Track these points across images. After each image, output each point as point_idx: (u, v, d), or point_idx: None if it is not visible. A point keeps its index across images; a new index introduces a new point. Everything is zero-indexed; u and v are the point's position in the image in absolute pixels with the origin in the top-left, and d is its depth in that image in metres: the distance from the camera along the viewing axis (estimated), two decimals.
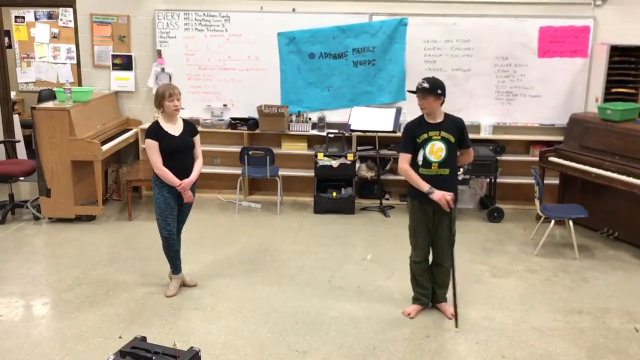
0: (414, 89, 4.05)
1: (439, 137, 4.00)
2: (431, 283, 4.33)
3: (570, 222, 5.41)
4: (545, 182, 6.02)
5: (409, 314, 4.28)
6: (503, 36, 6.67)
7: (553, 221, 5.44)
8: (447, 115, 4.07)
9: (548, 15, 6.62)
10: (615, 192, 5.59)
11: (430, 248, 4.25)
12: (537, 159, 6.41)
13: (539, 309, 4.39)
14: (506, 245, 5.72)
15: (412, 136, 4.03)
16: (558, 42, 6.66)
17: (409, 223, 4.26)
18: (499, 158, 6.55)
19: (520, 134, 6.90)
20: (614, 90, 6.39)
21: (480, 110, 6.86)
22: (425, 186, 3.97)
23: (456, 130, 4.06)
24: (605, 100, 6.37)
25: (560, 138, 6.52)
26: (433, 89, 3.96)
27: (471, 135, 6.84)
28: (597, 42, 6.60)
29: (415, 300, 4.37)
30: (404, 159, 4.06)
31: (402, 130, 4.12)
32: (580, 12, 6.63)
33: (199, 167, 4.52)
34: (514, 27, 6.64)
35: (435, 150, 4.00)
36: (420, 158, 4.03)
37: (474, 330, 4.09)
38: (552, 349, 3.87)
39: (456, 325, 4.12)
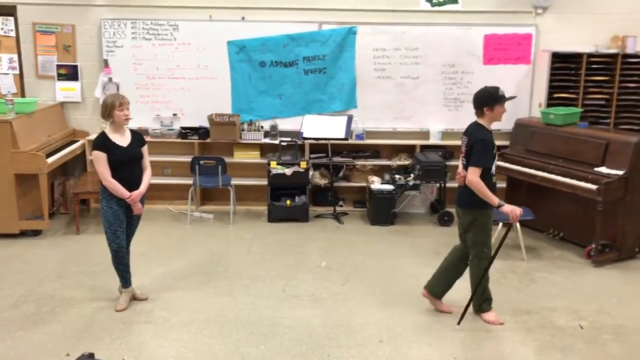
0: (502, 95, 4.10)
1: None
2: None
3: (518, 224, 5.55)
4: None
5: (496, 321, 4.27)
6: (449, 44, 6.82)
7: (501, 224, 5.57)
8: None
9: (492, 23, 6.81)
10: (559, 194, 5.77)
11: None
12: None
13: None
14: None
15: (493, 148, 4.07)
16: (502, 50, 6.86)
17: (479, 237, 4.18)
18: (448, 163, 6.67)
19: None
20: (556, 95, 6.62)
21: (429, 116, 6.98)
22: (496, 199, 4.01)
23: None
24: (548, 105, 6.59)
25: (507, 142, 6.69)
26: None
27: (421, 142, 7.06)
28: (540, 49, 6.83)
29: (490, 306, 4.35)
30: (478, 173, 4.01)
31: (481, 143, 4.01)
32: (523, 20, 6.84)
33: (148, 178, 4.45)
34: (459, 35, 6.80)
35: (496, 156, 4.17)
36: (494, 168, 4.12)
37: (426, 333, 4.14)
38: (502, 349, 3.96)
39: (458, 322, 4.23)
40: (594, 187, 5.30)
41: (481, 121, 4.14)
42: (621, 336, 4.15)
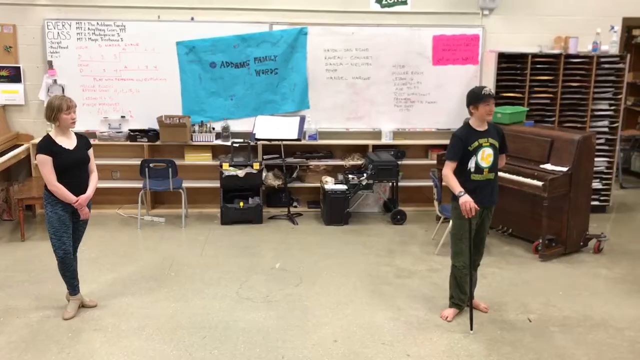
0: (484, 95, 4.10)
1: (488, 144, 4.18)
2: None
3: None
4: (443, 184, 6.26)
5: (446, 318, 4.34)
6: (399, 45, 6.90)
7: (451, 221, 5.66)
8: (488, 124, 4.23)
9: (441, 24, 6.93)
10: (507, 191, 5.90)
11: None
12: (435, 162, 6.68)
13: (442, 307, 4.52)
14: (409, 246, 5.90)
15: (464, 145, 4.14)
16: (451, 50, 6.98)
17: (453, 230, 4.33)
18: (400, 163, 6.75)
19: (419, 138, 7.15)
20: (503, 94, 6.78)
21: (381, 116, 7.05)
22: (457, 189, 4.13)
23: (499, 137, 4.26)
24: (496, 104, 6.66)
25: None
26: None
27: (373, 142, 7.11)
28: (487, 49, 6.98)
29: (455, 305, 4.41)
30: (450, 166, 4.19)
31: (451, 139, 4.22)
32: (470, 22, 6.99)
33: (94, 182, 4.34)
34: (409, 36, 6.89)
35: (486, 156, 4.18)
36: (472, 165, 4.17)
37: (380, 332, 4.17)
38: (454, 344, 4.02)
39: (471, 328, 4.21)
40: (539, 183, 5.45)
41: (470, 120, 4.23)
42: (567, 327, 4.28)
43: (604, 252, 5.77)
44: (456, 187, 4.14)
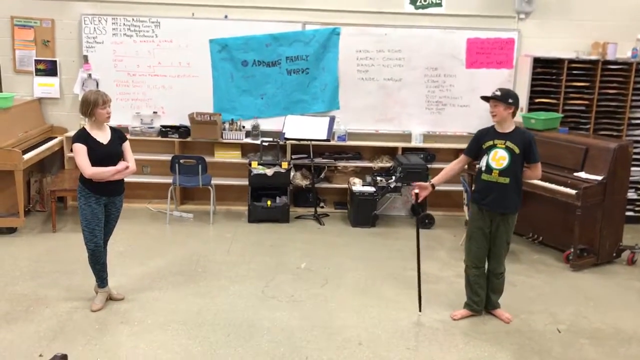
0: (487, 96, 4.18)
1: (504, 146, 4.16)
2: (485, 291, 4.42)
3: None
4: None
5: (454, 316, 4.40)
6: (432, 47, 6.83)
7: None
8: (517, 128, 4.23)
9: (475, 27, 6.84)
10: (539, 198, 5.80)
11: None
12: (465, 167, 6.58)
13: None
14: (437, 251, 5.84)
15: (479, 142, 4.24)
16: (485, 54, 6.89)
17: (467, 229, 4.46)
18: (429, 166, 6.68)
19: (449, 142, 7.07)
20: (537, 100, 6.66)
21: (412, 119, 6.99)
22: (435, 180, 4.36)
23: (522, 143, 4.18)
24: (529, 109, 6.63)
25: None
26: (504, 98, 4.12)
27: (402, 144, 7.04)
28: (522, 54, 6.87)
29: (467, 305, 4.45)
30: (460, 159, 4.42)
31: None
32: (506, 25, 6.88)
33: (131, 168, 4.35)
34: (442, 38, 6.82)
35: (498, 157, 4.16)
36: (483, 164, 4.22)
37: (405, 336, 4.13)
38: (480, 352, 3.96)
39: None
40: (573, 191, 5.34)
41: None
42: (598, 340, 4.18)
43: (637, 264, 5.64)
44: (438, 177, 4.32)
